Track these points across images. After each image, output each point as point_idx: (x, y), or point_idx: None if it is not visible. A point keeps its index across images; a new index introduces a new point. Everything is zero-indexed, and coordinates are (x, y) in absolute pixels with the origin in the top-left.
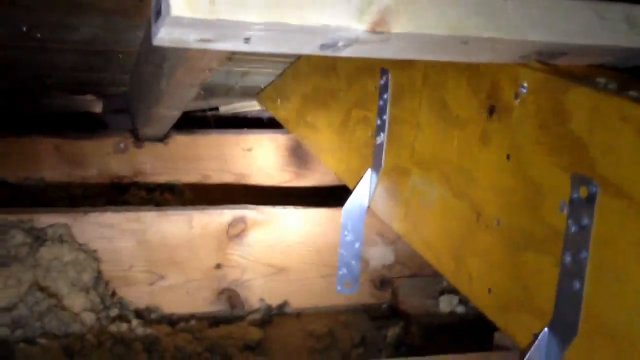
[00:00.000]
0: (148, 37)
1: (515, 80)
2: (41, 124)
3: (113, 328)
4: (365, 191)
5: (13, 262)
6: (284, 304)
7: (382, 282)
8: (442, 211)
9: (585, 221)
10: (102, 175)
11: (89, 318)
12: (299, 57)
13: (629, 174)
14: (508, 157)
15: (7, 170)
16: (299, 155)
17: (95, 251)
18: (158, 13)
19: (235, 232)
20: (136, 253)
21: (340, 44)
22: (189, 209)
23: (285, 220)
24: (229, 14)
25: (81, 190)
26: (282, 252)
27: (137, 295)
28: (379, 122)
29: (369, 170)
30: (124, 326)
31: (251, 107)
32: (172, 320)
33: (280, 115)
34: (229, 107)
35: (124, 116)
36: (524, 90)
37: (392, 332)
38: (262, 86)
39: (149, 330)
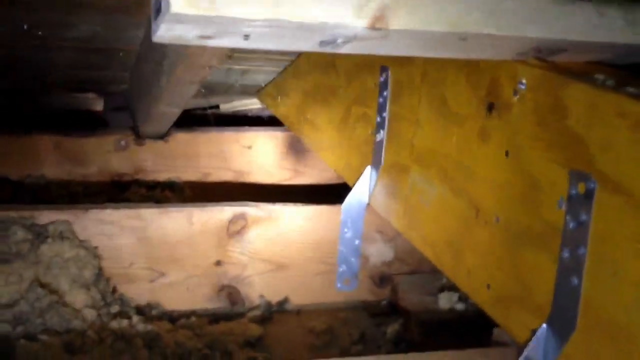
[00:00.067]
0: (148, 34)
1: (514, 77)
2: (42, 122)
3: (114, 324)
4: (364, 188)
5: (14, 259)
6: (284, 300)
7: (382, 279)
8: (441, 208)
9: (584, 217)
10: (103, 173)
11: (90, 314)
12: (299, 55)
13: (627, 169)
14: (507, 153)
15: (8, 167)
16: (298, 152)
17: (96, 248)
18: (158, 10)
19: (235, 229)
20: (137, 250)
21: (340, 40)
22: (189, 206)
23: (285, 217)
24: (228, 10)
25: (82, 187)
26: (282, 249)
27: (138, 292)
28: (378, 119)
29: (369, 167)
30: (124, 322)
31: (251, 105)
32: (172, 317)
33: (280, 112)
34: (229, 105)
35: (125, 114)
36: (523, 87)
37: (392, 328)
38: (263, 84)
39: (149, 327)
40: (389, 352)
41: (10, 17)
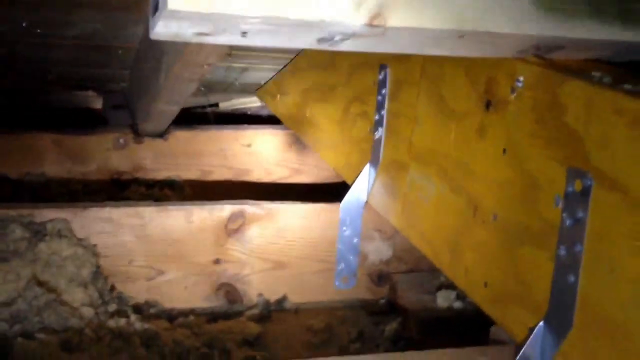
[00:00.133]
0: (147, 32)
1: (511, 75)
2: (41, 120)
3: (112, 323)
4: (363, 186)
5: (12, 257)
6: (283, 299)
7: (380, 277)
8: (440, 205)
9: (580, 215)
10: (102, 171)
11: (87, 313)
12: (298, 53)
13: (623, 167)
14: (504, 151)
15: (7, 166)
16: (298, 150)
17: (94, 246)
18: (155, 7)
19: (234, 227)
20: (135, 248)
21: (337, 38)
22: (188, 204)
23: (284, 216)
24: (226, 7)
25: (81, 186)
26: (280, 247)
27: (136, 290)
28: (377, 117)
29: (367, 165)
30: (122, 321)
31: (251, 103)
32: (170, 315)
33: (279, 111)
34: (228, 104)
35: (124, 112)
36: (520, 85)
37: (390, 327)
38: (262, 82)
39: (147, 325)
40: (387, 351)
41: (10, 16)
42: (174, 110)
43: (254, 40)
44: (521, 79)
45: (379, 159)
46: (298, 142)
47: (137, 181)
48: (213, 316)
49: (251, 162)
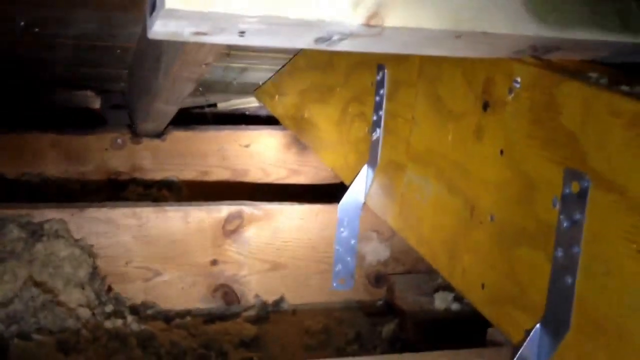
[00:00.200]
0: (145, 31)
1: (509, 75)
2: (39, 119)
3: (108, 324)
4: (361, 187)
5: (9, 257)
6: (280, 300)
7: (377, 279)
8: (437, 206)
9: (577, 216)
10: (100, 171)
11: (84, 314)
12: (296, 53)
13: (620, 168)
14: (502, 151)
15: (5, 165)
16: (296, 151)
17: (91, 247)
18: (153, 6)
19: (231, 228)
20: (132, 249)
21: (335, 37)
22: (185, 205)
23: (281, 216)
24: (223, 6)
25: (79, 186)
26: (278, 248)
27: (133, 291)
28: (375, 117)
29: (365, 166)
30: (119, 322)
31: (249, 103)
32: (167, 316)
33: (278, 111)
34: (227, 104)
35: (123, 112)
36: (518, 85)
37: (387, 328)
38: (260, 82)
39: (144, 326)
40: (384, 352)
41: (8, 15)
42: (172, 110)
43: (252, 40)
44: (518, 79)
45: (376, 160)
46: (296, 143)
47: (135, 181)
48: (210, 317)
49: (249, 162)
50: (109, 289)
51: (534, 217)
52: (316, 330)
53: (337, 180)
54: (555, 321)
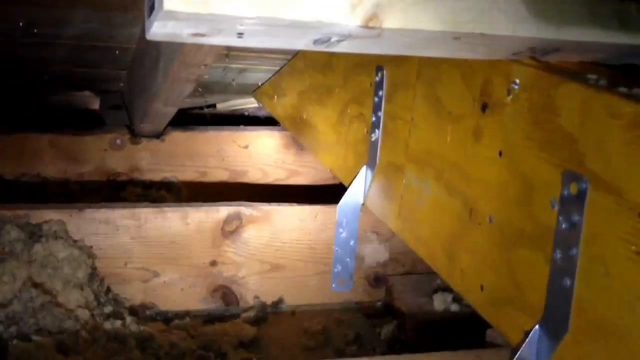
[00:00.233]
0: (144, 32)
1: (507, 77)
2: (38, 120)
3: (107, 325)
4: (360, 188)
5: (8, 258)
6: (279, 301)
7: (377, 280)
8: (436, 208)
9: (576, 218)
10: (99, 172)
11: (83, 315)
12: (295, 54)
13: (618, 170)
14: (500, 153)
15: (3, 166)
16: (295, 152)
17: (90, 247)
18: (151, 7)
19: (230, 229)
20: (131, 249)
21: (334, 39)
22: (184, 206)
23: (280, 217)
24: (222, 8)
25: (78, 186)
26: (277, 249)
27: (132, 292)
28: (374, 118)
29: (364, 167)
30: (118, 323)
31: (248, 104)
32: (166, 318)
33: (276, 112)
34: (226, 105)
35: (122, 113)
36: (516, 87)
37: (386, 329)
38: (260, 83)
39: (143, 327)
40: (383, 353)
41: (7, 16)
42: (171, 110)
43: (251, 41)
44: (517, 81)
45: (375, 161)
46: (295, 144)
47: (133, 182)
48: (209, 318)
49: (248, 163)
50: (108, 289)
51: (533, 219)
52: (315, 331)
53: (336, 181)
54: (554, 322)
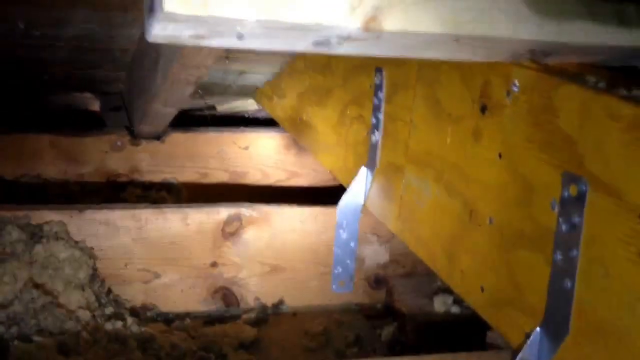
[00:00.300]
0: (144, 34)
1: (507, 79)
2: (39, 121)
3: (108, 326)
4: (360, 189)
5: (9, 259)
6: (280, 302)
7: (377, 281)
8: (436, 209)
9: (576, 219)
10: (99, 173)
11: (84, 316)
12: (295, 56)
13: (617, 171)
14: (500, 155)
15: (3, 167)
16: (295, 153)
17: (91, 248)
18: (151, 9)
19: (230, 230)
20: (132, 251)
21: (333, 41)
22: (184, 207)
23: (280, 219)
24: (221, 10)
25: (78, 187)
26: (277, 251)
27: (133, 293)
28: (374, 120)
29: (364, 168)
30: (119, 324)
31: (248, 106)
32: (167, 319)
33: (276, 113)
34: (226, 106)
35: (122, 114)
36: (516, 89)
37: (387, 331)
38: (260, 85)
39: (144, 328)
40: (384, 355)
41: (7, 17)
42: (171, 112)
43: (251, 44)
44: (517, 83)
45: (375, 162)
46: (296, 145)
47: (134, 183)
48: (210, 319)
49: (248, 164)
50: (109, 291)
51: (533, 220)
52: (316, 333)
53: (336, 183)
54: (555, 324)
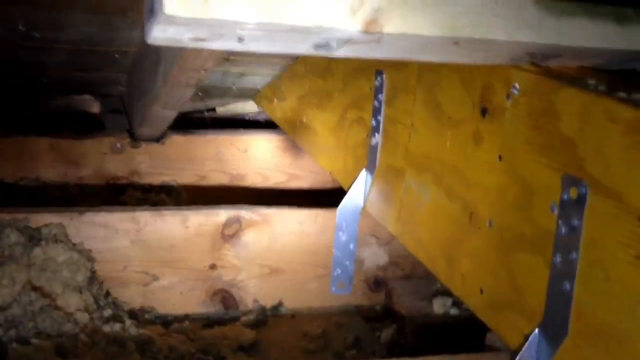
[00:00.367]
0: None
1: (507, 82)
2: (38, 124)
3: (107, 328)
4: (359, 192)
5: (7, 262)
6: (279, 304)
7: (376, 283)
8: (435, 212)
9: (576, 222)
10: (99, 176)
11: (82, 318)
12: (295, 58)
13: (617, 174)
14: (500, 157)
15: (3, 169)
16: (295, 156)
17: (89, 251)
18: (151, 11)
19: (230, 233)
20: (130, 253)
21: (334, 44)
22: (183, 209)
23: (280, 221)
24: (222, 12)
25: (78, 190)
26: (276, 253)
27: (131, 296)
28: (373, 123)
29: (364, 170)
30: (117, 326)
31: (248, 108)
32: (166, 321)
33: (276, 115)
34: (226, 109)
35: (122, 116)
36: (516, 92)
37: (386, 333)
38: (260, 87)
39: (142, 331)
40: (383, 357)
41: (7, 19)
42: (171, 114)
43: (251, 46)
44: (517, 86)
45: (375, 165)
46: (295, 148)
47: (133, 186)
48: (208, 322)
49: (247, 167)
50: (107, 293)
51: (533, 223)
52: (315, 335)
53: (335, 185)
54: (554, 326)
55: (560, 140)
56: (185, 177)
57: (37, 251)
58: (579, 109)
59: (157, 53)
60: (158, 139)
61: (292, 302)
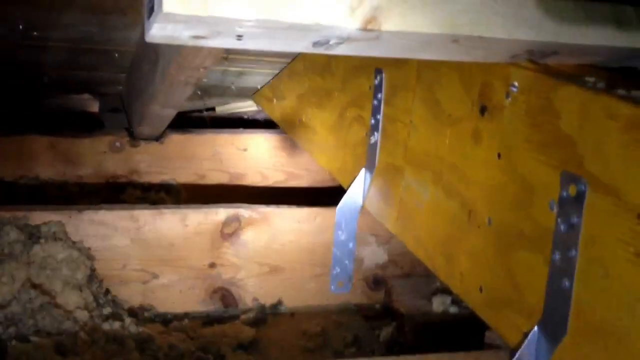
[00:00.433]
0: (143, 35)
1: (506, 80)
2: (38, 122)
3: (106, 326)
4: (359, 190)
5: (7, 259)
6: (278, 303)
7: (376, 282)
8: (435, 210)
9: (575, 220)
10: (98, 174)
11: (82, 316)
12: (295, 57)
13: (616, 171)
14: (499, 155)
15: (2, 168)
16: (294, 155)
17: (89, 249)
18: (151, 9)
19: (229, 231)
20: (130, 251)
21: (333, 41)
22: (183, 208)
23: (279, 220)
24: (221, 10)
25: (77, 189)
26: (276, 252)
27: (131, 294)
28: (373, 121)
29: (363, 169)
30: (117, 324)
31: (247, 107)
32: (165, 319)
33: (276, 114)
34: (225, 108)
35: (121, 115)
36: (515, 90)
37: (385, 331)
38: (259, 86)
39: (142, 329)
40: (382, 355)
41: (6, 18)
42: (170, 113)
43: (250, 44)
44: (516, 84)
45: (374, 164)
46: (294, 146)
47: (132, 184)
48: (208, 320)
49: (247, 165)
50: (107, 291)
51: (532, 221)
52: (314, 333)
53: (335, 184)
54: (553, 324)
55: (559, 138)
56: (184, 176)
57: (37, 249)
58: (578, 106)
59: (156, 52)
60: (157, 138)
61: (292, 300)
